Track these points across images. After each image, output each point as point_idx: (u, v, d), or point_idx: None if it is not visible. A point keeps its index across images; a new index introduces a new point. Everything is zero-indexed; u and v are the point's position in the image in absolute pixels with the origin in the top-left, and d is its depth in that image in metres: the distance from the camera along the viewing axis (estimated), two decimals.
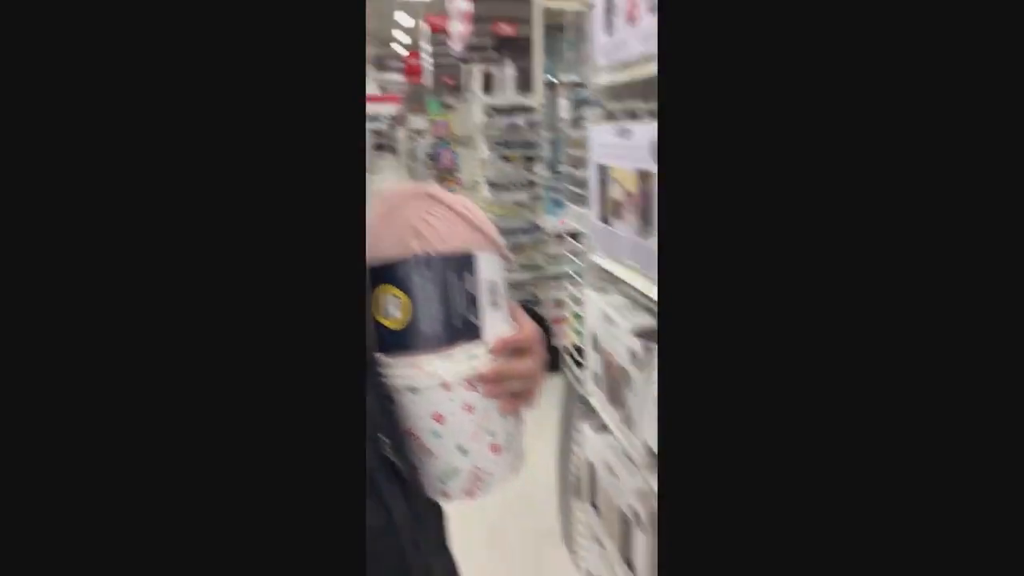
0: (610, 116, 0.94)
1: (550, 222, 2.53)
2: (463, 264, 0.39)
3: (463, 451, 0.40)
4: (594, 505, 1.12)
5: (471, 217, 0.42)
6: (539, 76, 2.45)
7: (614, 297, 0.95)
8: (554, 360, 0.49)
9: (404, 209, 0.40)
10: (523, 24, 2.74)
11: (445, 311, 0.39)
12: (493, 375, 0.40)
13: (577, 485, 1.23)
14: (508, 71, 2.55)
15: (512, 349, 0.41)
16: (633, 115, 0.91)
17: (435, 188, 0.42)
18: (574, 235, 1.21)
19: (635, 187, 0.72)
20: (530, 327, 0.44)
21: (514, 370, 0.41)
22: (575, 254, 1.18)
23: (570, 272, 1.26)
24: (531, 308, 0.54)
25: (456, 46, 2.93)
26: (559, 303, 1.95)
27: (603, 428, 1.04)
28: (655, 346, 0.74)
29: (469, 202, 0.45)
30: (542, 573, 1.61)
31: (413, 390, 0.39)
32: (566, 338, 1.34)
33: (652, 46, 0.64)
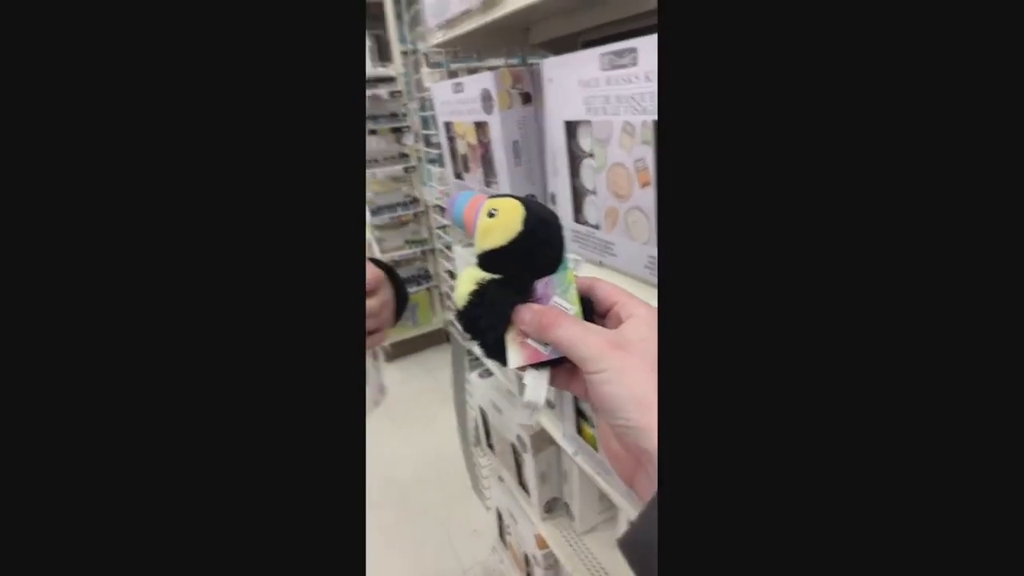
0: (453, 75, 0.98)
1: (428, 193, 2.53)
2: None
3: None
4: (490, 446, 1.20)
5: None
6: (396, 45, 2.39)
7: None
8: (402, 299, 0.53)
9: None
10: None
11: None
12: None
13: (476, 434, 1.30)
14: (365, 42, 2.46)
15: None
16: (473, 71, 0.96)
17: None
18: (443, 207, 1.24)
19: (475, 138, 0.77)
20: (373, 270, 0.47)
21: None
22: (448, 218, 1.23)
23: (444, 244, 1.29)
24: (376, 260, 0.57)
25: None
26: (446, 274, 1.99)
27: (487, 372, 1.11)
28: None
29: None
30: (458, 526, 1.68)
31: None
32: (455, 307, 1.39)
33: (468, 2, 0.68)
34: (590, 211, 0.57)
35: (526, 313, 0.29)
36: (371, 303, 0.45)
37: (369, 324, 0.45)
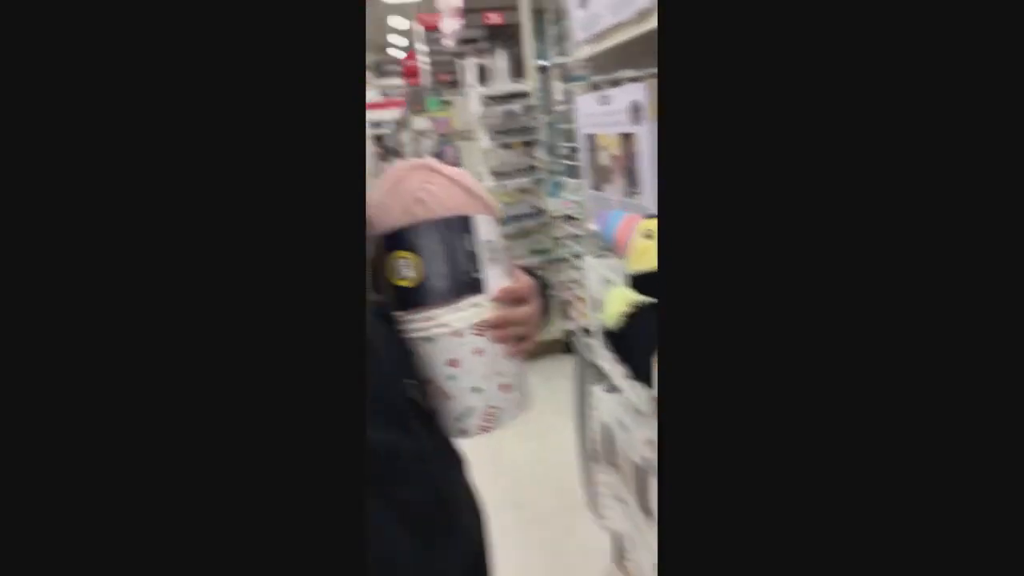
0: (595, 87, 0.98)
1: (553, 204, 2.56)
2: (462, 226, 0.44)
3: (477, 391, 0.44)
4: (612, 464, 1.17)
5: (466, 184, 0.46)
6: (531, 61, 2.47)
7: (612, 260, 0.99)
8: (547, 307, 0.54)
9: (407, 180, 0.44)
10: (511, 12, 2.76)
11: (451, 268, 0.43)
12: (497, 320, 0.45)
13: (596, 451, 1.27)
14: (500, 60, 2.59)
15: (512, 298, 0.46)
16: (615, 83, 0.95)
17: (433, 161, 0.47)
18: (572, 217, 1.24)
19: (619, 150, 0.76)
20: (526, 279, 0.49)
21: (515, 316, 0.46)
22: (575, 229, 1.22)
23: (572, 254, 1.29)
24: (527, 268, 0.59)
25: (449, 41, 2.97)
26: (570, 284, 2.00)
27: (613, 388, 1.08)
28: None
29: (464, 171, 0.49)
30: (571, 541, 1.66)
31: (429, 340, 0.44)
32: (579, 318, 1.39)
33: (622, 14, 0.68)
34: None
35: None
36: (525, 311, 0.46)
37: (522, 331, 0.46)
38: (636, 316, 0.31)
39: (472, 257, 0.44)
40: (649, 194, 0.71)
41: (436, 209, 0.43)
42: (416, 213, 0.43)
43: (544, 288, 0.53)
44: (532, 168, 2.58)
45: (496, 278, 0.45)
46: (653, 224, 0.31)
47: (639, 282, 0.32)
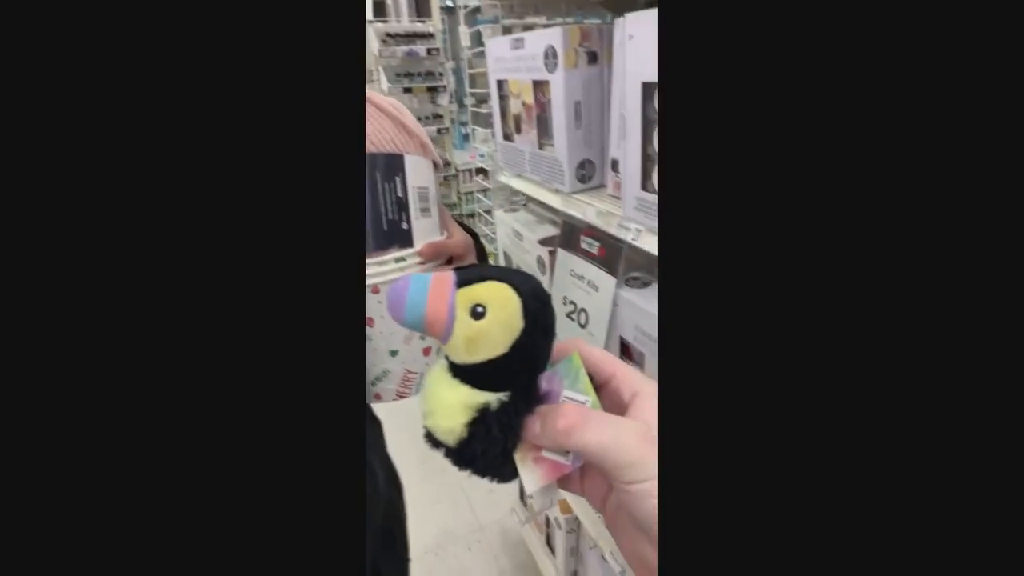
0: (506, 31, 0.94)
1: (460, 157, 2.50)
2: (391, 166, 0.38)
3: (394, 354, 0.40)
4: None
5: (400, 118, 0.39)
6: (436, 0, 2.32)
7: (521, 214, 0.99)
8: (483, 261, 0.51)
9: None
10: None
11: (373, 214, 0.37)
12: None
13: None
14: None
15: (442, 254, 0.41)
16: (528, 28, 0.92)
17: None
18: (482, 170, 1.21)
19: (531, 98, 0.75)
20: (460, 234, 0.44)
21: None
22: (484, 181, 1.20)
23: (482, 209, 1.27)
24: (461, 220, 0.53)
25: None
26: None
27: None
28: (556, 251, 0.80)
29: (398, 102, 0.42)
30: (474, 482, 1.73)
31: None
32: None
33: None
34: None
35: (535, 424, 0.23)
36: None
37: None
38: (484, 421, 0.24)
39: (400, 204, 0.38)
40: (562, 145, 0.71)
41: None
42: None
43: (480, 246, 0.50)
44: (437, 117, 2.47)
45: (426, 231, 0.40)
46: (479, 293, 0.23)
47: (479, 376, 0.24)
